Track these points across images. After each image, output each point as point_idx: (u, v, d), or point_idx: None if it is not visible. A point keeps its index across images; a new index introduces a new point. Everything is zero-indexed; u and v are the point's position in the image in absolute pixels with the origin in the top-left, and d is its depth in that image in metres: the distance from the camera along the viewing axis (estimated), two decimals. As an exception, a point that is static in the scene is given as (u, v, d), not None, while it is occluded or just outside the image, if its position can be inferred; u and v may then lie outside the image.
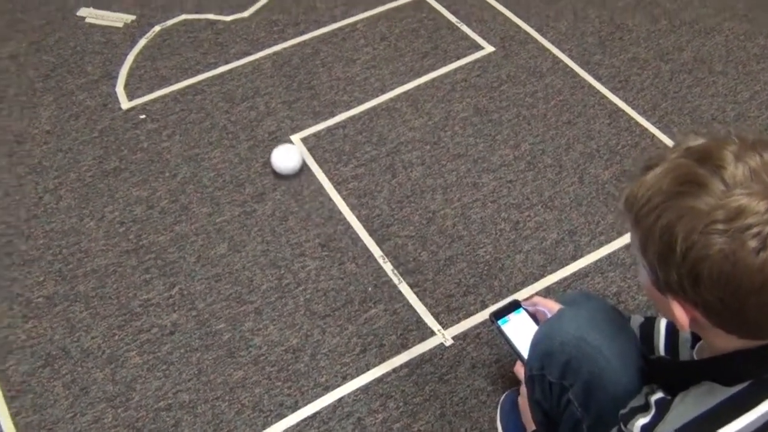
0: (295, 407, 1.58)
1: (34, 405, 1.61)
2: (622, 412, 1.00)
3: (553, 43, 2.35)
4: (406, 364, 1.64)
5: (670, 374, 0.99)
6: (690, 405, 0.90)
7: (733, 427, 0.85)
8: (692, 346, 1.07)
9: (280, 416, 1.57)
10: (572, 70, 2.26)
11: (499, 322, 1.43)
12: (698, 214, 0.78)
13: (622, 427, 0.97)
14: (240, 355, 1.67)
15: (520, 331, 1.39)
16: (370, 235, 1.87)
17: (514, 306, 1.45)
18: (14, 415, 1.60)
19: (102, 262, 1.85)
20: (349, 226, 1.90)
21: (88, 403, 1.61)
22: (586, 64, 2.27)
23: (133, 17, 2.49)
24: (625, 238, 1.82)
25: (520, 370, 1.32)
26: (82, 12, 2.52)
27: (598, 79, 2.23)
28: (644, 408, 0.97)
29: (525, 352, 1.22)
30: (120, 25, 2.46)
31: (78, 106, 2.22)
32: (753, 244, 0.75)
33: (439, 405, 1.56)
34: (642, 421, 0.95)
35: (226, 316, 1.74)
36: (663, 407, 0.93)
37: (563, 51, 2.32)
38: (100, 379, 1.65)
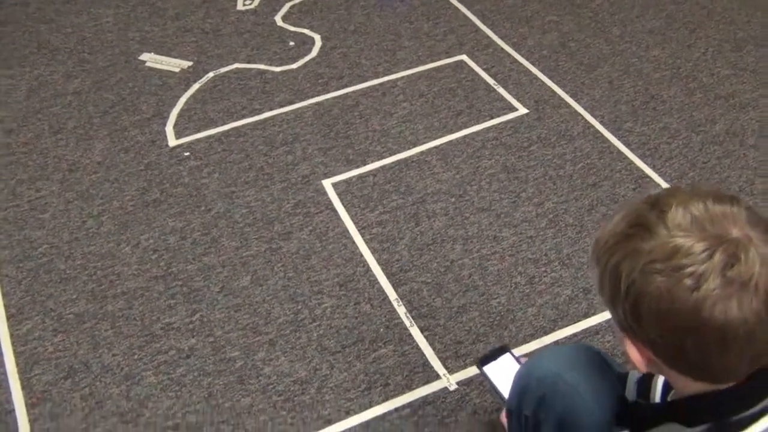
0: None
1: (51, 413, 1.69)
2: (592, 451, 1.01)
3: (586, 108, 2.40)
4: (409, 405, 1.66)
5: (640, 417, 1.01)
6: (652, 444, 0.92)
7: (690, 468, 0.86)
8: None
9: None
10: (602, 135, 2.31)
11: (485, 367, 1.45)
12: (640, 254, 0.82)
13: (590, 464, 0.99)
14: (250, 382, 1.73)
15: (507, 376, 1.41)
16: (388, 278, 1.93)
17: (501, 351, 1.48)
18: (32, 421, 1.68)
19: (132, 285, 1.95)
20: (368, 269, 1.95)
21: (101, 417, 1.68)
22: (617, 131, 2.32)
23: (190, 63, 2.66)
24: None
25: (505, 418, 1.34)
26: (144, 57, 2.70)
27: (628, 145, 2.27)
28: (612, 447, 0.99)
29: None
30: (177, 70, 2.63)
31: (129, 141, 2.37)
32: (688, 282, 0.78)
33: (436, 447, 1.58)
34: (608, 458, 0.97)
35: (241, 345, 1.80)
36: (627, 446, 0.95)
37: (595, 117, 2.37)
38: (116, 394, 1.72)
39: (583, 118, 2.37)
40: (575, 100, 2.44)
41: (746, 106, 2.41)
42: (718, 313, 0.78)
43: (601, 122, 2.35)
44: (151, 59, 2.68)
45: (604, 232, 0.90)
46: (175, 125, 2.42)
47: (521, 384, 1.13)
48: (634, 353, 0.88)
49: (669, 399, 0.98)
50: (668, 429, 0.91)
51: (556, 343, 1.76)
